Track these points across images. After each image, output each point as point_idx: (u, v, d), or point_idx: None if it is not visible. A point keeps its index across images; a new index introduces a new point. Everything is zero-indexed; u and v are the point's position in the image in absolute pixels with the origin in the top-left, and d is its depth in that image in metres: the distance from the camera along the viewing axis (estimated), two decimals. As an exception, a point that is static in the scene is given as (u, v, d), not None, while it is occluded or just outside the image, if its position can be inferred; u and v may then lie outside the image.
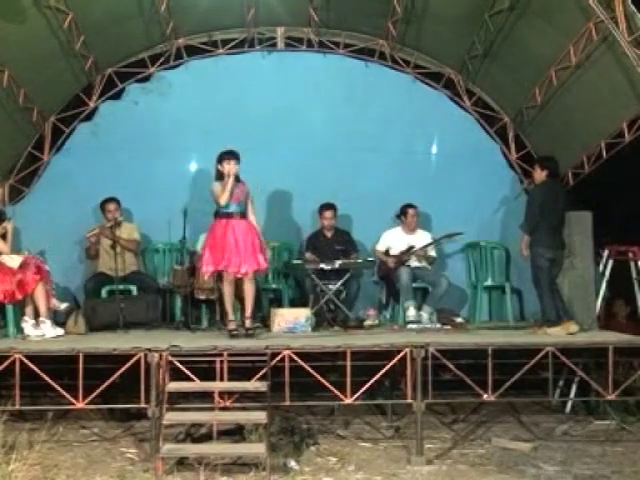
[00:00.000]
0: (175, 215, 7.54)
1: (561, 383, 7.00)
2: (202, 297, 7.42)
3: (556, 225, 6.77)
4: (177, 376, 5.65)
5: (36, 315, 6.60)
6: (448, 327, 7.28)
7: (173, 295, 7.74)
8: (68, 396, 5.62)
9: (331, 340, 6.26)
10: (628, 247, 7.45)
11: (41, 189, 8.45)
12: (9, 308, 6.70)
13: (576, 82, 7.41)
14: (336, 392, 5.74)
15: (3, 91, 7.35)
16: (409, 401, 5.75)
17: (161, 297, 7.58)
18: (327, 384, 5.75)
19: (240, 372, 5.82)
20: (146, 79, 8.73)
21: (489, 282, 8.25)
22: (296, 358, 5.71)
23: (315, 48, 8.87)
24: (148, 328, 7.15)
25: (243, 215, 6.57)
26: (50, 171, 8.52)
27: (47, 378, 5.62)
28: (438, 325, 7.30)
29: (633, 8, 6.27)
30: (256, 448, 5.35)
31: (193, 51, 8.79)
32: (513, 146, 8.91)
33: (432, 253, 7.98)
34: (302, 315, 7.02)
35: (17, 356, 5.60)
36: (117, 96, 8.70)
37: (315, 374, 5.76)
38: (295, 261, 7.83)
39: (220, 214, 6.54)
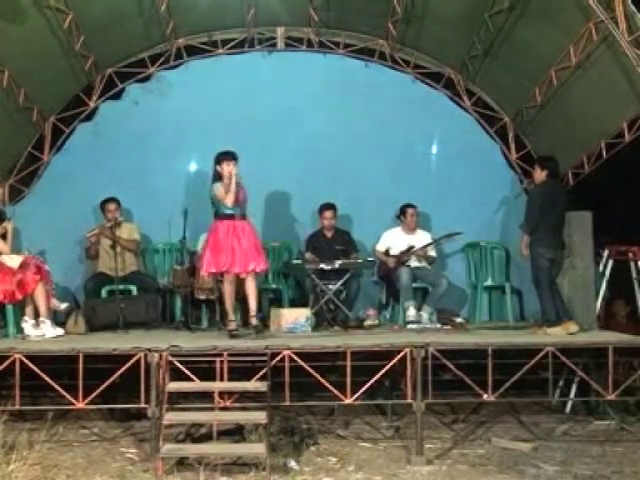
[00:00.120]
0: (175, 215, 7.55)
1: (561, 383, 6.99)
2: (202, 297, 7.43)
3: (556, 225, 6.77)
4: (177, 376, 5.65)
5: (36, 315, 6.60)
6: (448, 327, 7.29)
7: (173, 295, 7.74)
8: (68, 396, 5.62)
9: (331, 340, 6.26)
10: (628, 247, 7.44)
11: (41, 189, 8.45)
12: (9, 308, 6.71)
13: (576, 82, 7.40)
14: (336, 392, 5.74)
15: (3, 91, 7.35)
16: (409, 401, 5.75)
17: (161, 297, 7.59)
18: (327, 384, 5.75)
19: (240, 372, 5.81)
20: (146, 79, 8.72)
21: (489, 282, 8.24)
22: (296, 358, 5.71)
23: (315, 48, 8.86)
24: (148, 328, 7.15)
25: (243, 216, 6.58)
26: (50, 171, 8.51)
27: (47, 378, 5.62)
28: (438, 325, 7.31)
29: (633, 8, 6.27)
30: (256, 448, 5.36)
31: (193, 51, 8.79)
32: (513, 146, 8.89)
33: (432, 253, 7.97)
34: (302, 315, 7.02)
35: (17, 356, 5.60)
36: (117, 96, 8.70)
37: (315, 374, 5.76)
38: (295, 261, 7.83)
39: (221, 215, 6.53)
